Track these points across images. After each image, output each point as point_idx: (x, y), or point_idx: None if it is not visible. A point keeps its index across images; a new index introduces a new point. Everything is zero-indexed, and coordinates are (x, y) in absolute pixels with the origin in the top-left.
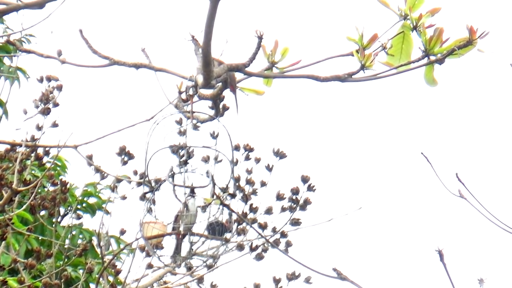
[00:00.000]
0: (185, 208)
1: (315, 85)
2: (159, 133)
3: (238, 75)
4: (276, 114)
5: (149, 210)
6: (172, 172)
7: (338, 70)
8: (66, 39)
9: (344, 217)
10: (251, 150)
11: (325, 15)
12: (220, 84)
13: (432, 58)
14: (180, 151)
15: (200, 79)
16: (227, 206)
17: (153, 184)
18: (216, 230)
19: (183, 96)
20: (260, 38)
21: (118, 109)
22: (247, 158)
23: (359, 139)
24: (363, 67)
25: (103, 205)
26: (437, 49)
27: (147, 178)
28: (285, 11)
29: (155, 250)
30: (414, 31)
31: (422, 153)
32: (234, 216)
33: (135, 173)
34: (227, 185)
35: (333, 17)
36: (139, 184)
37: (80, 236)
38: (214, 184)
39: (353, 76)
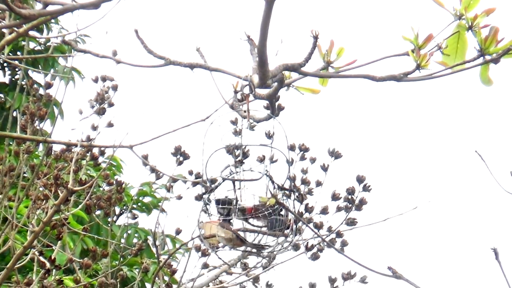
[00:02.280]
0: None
1: (371, 84)
2: (215, 133)
3: (294, 75)
4: (332, 113)
5: (205, 211)
6: (229, 171)
7: (394, 69)
8: (121, 39)
9: (399, 217)
10: (306, 150)
11: (380, 15)
12: (275, 83)
13: (488, 57)
14: (235, 150)
15: (255, 78)
16: (283, 205)
17: (208, 184)
18: (276, 225)
19: (239, 95)
20: (316, 38)
21: (173, 109)
22: (303, 158)
23: (414, 138)
24: (418, 67)
25: (159, 204)
26: (492, 48)
27: (203, 178)
28: (340, 11)
29: (214, 249)
30: (469, 31)
31: (476, 151)
32: (290, 216)
33: (190, 173)
34: (283, 184)
35: (388, 17)
36: (194, 184)
37: (136, 235)
38: (272, 182)
39: (408, 76)
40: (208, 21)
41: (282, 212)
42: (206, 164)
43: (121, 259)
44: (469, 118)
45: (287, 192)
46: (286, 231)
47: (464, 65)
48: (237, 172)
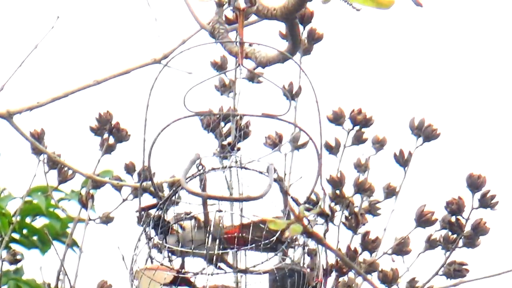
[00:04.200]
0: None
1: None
2: (180, 86)
3: None
4: (411, 48)
5: (153, 245)
6: (200, 167)
7: None
8: None
9: None
10: (366, 122)
11: None
12: None
13: None
14: (222, 124)
15: None
16: (318, 239)
17: (157, 189)
18: (288, 285)
19: (227, 11)
20: None
21: (98, 39)
22: (359, 139)
23: None
24: None
25: (66, 232)
26: None
27: (146, 178)
28: None
29: None
30: None
31: None
32: (328, 259)
33: (131, 168)
34: (309, 195)
35: None
36: (135, 191)
37: None
38: (283, 192)
39: None
40: None
41: (299, 262)
42: (151, 147)
43: None
44: None
45: (322, 211)
46: None
47: None
48: (223, 168)
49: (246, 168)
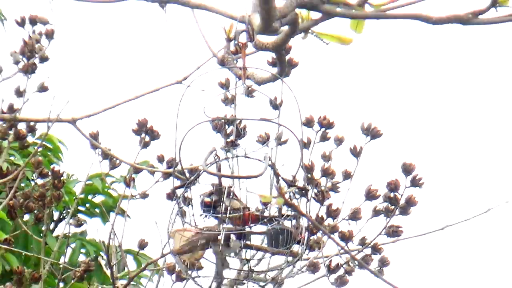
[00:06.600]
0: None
1: (424, 29)
2: (196, 100)
3: (314, 15)
4: (368, 72)
5: (181, 213)
6: (216, 157)
7: (458, 7)
8: None
9: (463, 224)
10: (329, 125)
11: None
12: (286, 27)
13: None
14: (226, 126)
15: (256, 19)
16: (295, 208)
17: (186, 175)
18: (280, 240)
19: (232, 45)
20: None
21: (136, 66)
22: (324, 138)
23: (487, 110)
24: (495, 4)
25: (116, 205)
26: None
27: (178, 166)
28: None
29: (190, 271)
30: None
31: None
32: (305, 222)
33: (161, 159)
34: (294, 177)
35: None
36: (166, 175)
37: (82, 250)
38: (276, 175)
39: (480, 17)
40: None
41: (287, 223)
42: (180, 145)
43: (60, 285)
44: None
45: (300, 188)
46: (296, 248)
47: None
48: (227, 158)
49: (248, 157)
